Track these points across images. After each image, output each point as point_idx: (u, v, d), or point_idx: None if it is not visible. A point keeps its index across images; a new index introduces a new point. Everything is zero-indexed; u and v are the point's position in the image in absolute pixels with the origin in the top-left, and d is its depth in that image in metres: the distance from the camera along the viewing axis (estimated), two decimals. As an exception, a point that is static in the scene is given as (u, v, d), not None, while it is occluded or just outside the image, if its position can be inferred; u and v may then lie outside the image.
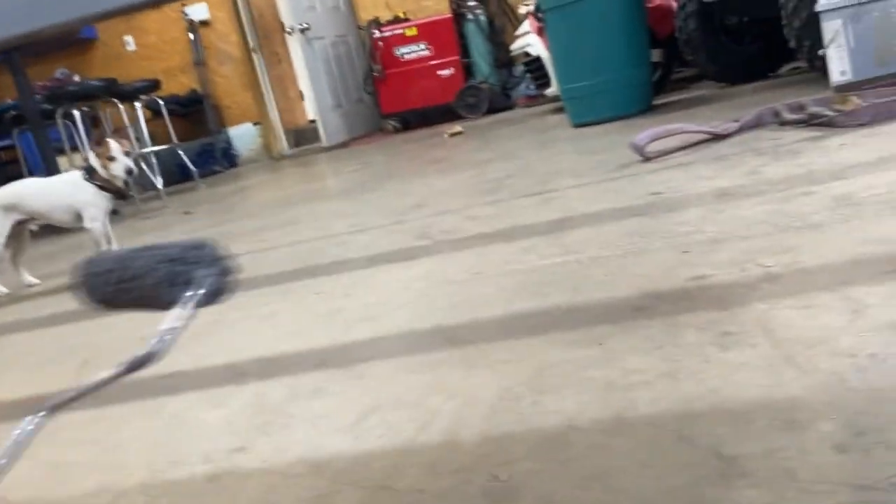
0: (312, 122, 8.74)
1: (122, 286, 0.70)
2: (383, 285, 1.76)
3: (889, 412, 0.76)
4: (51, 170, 4.81)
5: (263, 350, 1.48)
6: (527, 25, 5.39)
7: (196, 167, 6.52)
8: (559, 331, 1.20)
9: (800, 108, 2.51)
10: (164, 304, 0.67)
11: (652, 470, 0.76)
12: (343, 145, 7.12)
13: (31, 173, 5.86)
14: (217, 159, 7.45)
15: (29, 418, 0.64)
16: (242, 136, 7.97)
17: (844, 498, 0.65)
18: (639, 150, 2.52)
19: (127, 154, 2.70)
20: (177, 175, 7.01)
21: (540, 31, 5.09)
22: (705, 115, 3.31)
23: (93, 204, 2.72)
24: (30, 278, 2.90)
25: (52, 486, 1.07)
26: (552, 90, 5.08)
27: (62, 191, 2.76)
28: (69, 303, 2.46)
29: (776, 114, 2.60)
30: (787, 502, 0.66)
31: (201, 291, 0.68)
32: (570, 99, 4.12)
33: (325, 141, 7.05)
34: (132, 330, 1.88)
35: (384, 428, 1.01)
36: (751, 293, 1.16)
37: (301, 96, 9.32)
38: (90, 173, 2.71)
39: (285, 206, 3.71)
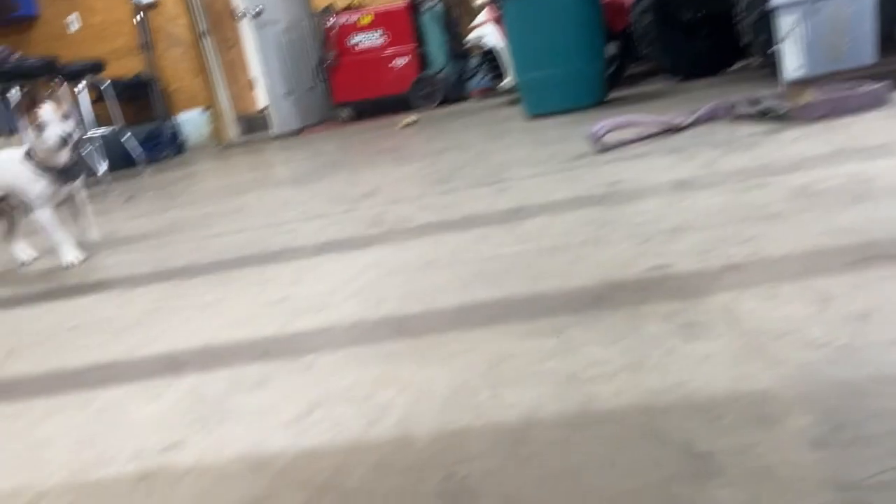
0: (263, 109, 8.56)
1: None
2: (332, 274, 1.69)
3: (865, 406, 0.72)
4: (-16, 152, 4.57)
5: (204, 339, 1.39)
6: (483, 15, 5.35)
7: (143, 152, 6.30)
8: (516, 321, 1.15)
9: (754, 101, 2.52)
10: None
11: (619, 468, 0.71)
12: (294, 134, 6.98)
13: (-37, 155, 5.57)
14: (164, 145, 7.21)
15: None
16: (191, 121, 7.75)
17: (827, 497, 0.61)
18: (596, 139, 2.49)
19: (65, 118, 2.26)
20: (121, 161, 6.77)
21: (498, 21, 5.05)
22: (659, 108, 3.31)
23: (30, 190, 2.33)
24: (25, 254, 2.61)
25: (-38, 488, 0.98)
26: (507, 82, 5.05)
27: (5, 169, 2.37)
28: (1, 291, 2.32)
29: (731, 107, 2.60)
30: (765, 503, 0.62)
31: None
32: (525, 90, 4.09)
33: (275, 129, 6.91)
34: (62, 319, 1.77)
35: (330, 423, 0.94)
36: (713, 283, 1.12)
37: (252, 83, 9.12)
38: (28, 153, 2.32)
39: (233, 194, 3.58)
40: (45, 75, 4.96)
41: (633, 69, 5.32)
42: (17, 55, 7.09)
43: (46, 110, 2.24)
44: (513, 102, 5.33)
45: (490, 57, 5.29)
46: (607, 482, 0.70)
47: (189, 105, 7.76)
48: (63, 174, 2.35)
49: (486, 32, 5.14)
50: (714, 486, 0.66)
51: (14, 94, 4.79)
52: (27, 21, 7.51)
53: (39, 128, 2.24)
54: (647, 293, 1.14)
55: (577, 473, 0.72)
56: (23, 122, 2.29)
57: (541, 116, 3.95)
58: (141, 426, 1.05)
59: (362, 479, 0.79)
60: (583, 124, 3.29)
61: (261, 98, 8.95)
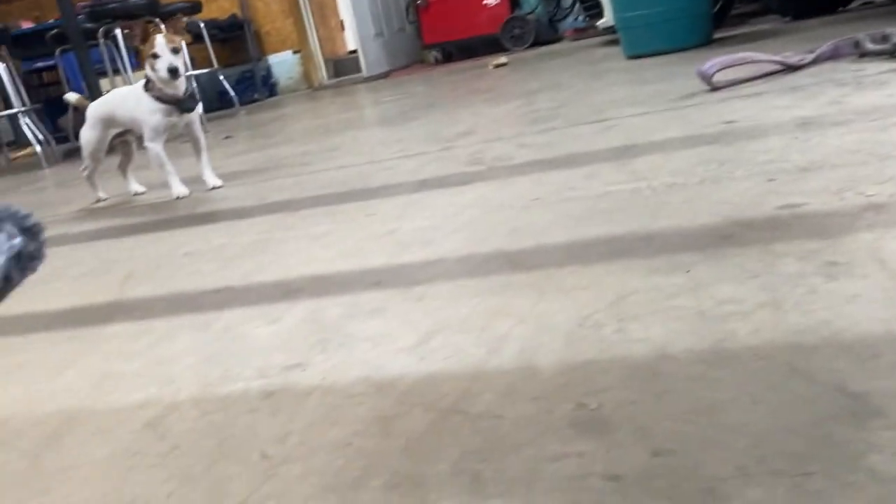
0: (352, 52, 8.57)
1: None
2: (436, 209, 1.68)
3: None
4: (93, 92, 4.76)
5: (316, 268, 1.41)
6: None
7: (236, 94, 6.43)
8: (637, 258, 1.11)
9: (883, 38, 2.33)
10: None
11: (766, 405, 0.68)
12: (383, 76, 6.96)
13: (72, 94, 5.81)
14: (257, 87, 7.34)
15: None
16: (282, 64, 7.83)
17: None
18: (706, 78, 2.36)
19: (176, 52, 2.31)
20: (216, 102, 6.93)
21: (595, -42, 4.85)
22: (771, 48, 3.11)
23: (146, 120, 2.38)
24: (137, 186, 2.76)
25: (98, 397, 1.03)
26: (604, 21, 4.86)
27: (128, 102, 2.45)
28: (114, 219, 2.42)
29: (856, 44, 2.41)
30: (935, 446, 0.58)
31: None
32: (624, 29, 3.93)
33: (365, 71, 6.91)
34: (174, 247, 1.83)
35: (450, 350, 0.93)
36: (854, 222, 1.05)
37: (341, 26, 9.12)
38: (147, 82, 2.37)
39: (327, 134, 3.62)
40: (146, 14, 5.08)
41: (739, 8, 5.03)
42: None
43: (159, 42, 2.29)
44: (609, 43, 5.14)
45: (586, -5, 5.09)
46: (753, 419, 0.66)
47: (280, 47, 7.84)
48: (179, 105, 2.40)
49: (584, -31, 4.94)
50: (875, 427, 0.61)
51: (119, 34, 4.94)
52: (128, -37, 7.69)
53: (154, 57, 2.29)
54: (780, 232, 1.08)
55: (719, 410, 0.69)
56: (138, 48, 2.32)
57: (641, 57, 3.80)
58: (263, 346, 1.08)
59: (489, 404, 0.79)
60: (688, 64, 3.14)
61: (350, 40, 8.96)
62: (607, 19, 4.78)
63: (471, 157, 2.20)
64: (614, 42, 5.04)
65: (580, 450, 0.68)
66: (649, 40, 3.73)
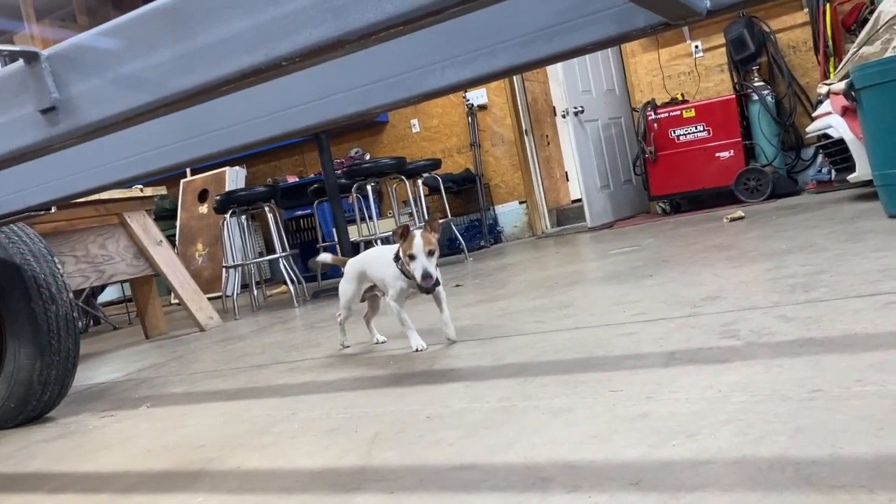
0: (575, 201, 8.75)
1: None
2: (693, 391, 1.54)
3: None
4: (341, 238, 5.23)
5: (563, 453, 1.33)
6: (827, 106, 4.88)
7: (464, 241, 6.75)
8: (977, 491, 0.90)
9: None
10: None
11: None
12: (607, 226, 6.96)
13: (324, 239, 6.46)
14: (484, 235, 7.67)
15: None
16: (508, 213, 8.16)
17: None
18: None
19: (431, 254, 2.41)
20: (445, 248, 7.31)
21: (844, 112, 4.58)
22: None
23: (391, 285, 2.58)
24: (379, 336, 2.94)
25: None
26: (856, 175, 4.51)
27: (378, 264, 2.67)
28: (359, 368, 2.53)
29: None
30: None
31: None
32: (886, 185, 3.59)
33: (589, 221, 6.95)
34: (417, 407, 1.84)
35: None
36: None
37: (566, 177, 9.40)
38: (397, 256, 2.53)
39: (556, 287, 3.60)
40: (394, 173, 5.58)
41: None
42: (367, 156, 8.17)
43: (417, 244, 2.40)
44: (860, 197, 4.74)
45: (836, 147, 4.78)
46: None
47: (507, 198, 8.20)
48: (420, 288, 2.52)
49: (833, 123, 4.66)
50: None
51: (370, 189, 5.45)
52: (379, 126, 8.63)
53: (410, 258, 2.42)
54: None
55: None
56: (397, 240, 2.48)
57: (908, 216, 3.43)
58: (518, 550, 1.00)
59: None
60: (975, 227, 2.76)
61: (573, 190, 9.18)
62: (860, 173, 4.43)
63: (723, 328, 2.04)
64: (864, 197, 4.65)
65: None
66: (919, 198, 3.36)
